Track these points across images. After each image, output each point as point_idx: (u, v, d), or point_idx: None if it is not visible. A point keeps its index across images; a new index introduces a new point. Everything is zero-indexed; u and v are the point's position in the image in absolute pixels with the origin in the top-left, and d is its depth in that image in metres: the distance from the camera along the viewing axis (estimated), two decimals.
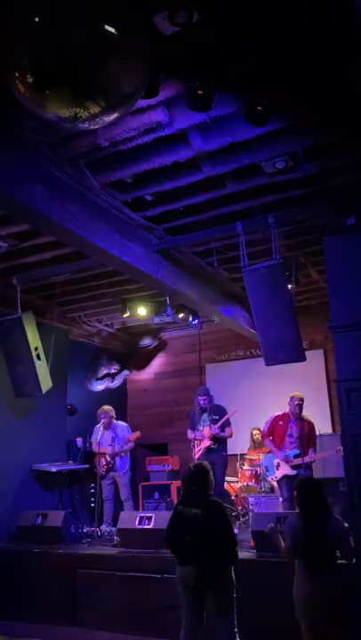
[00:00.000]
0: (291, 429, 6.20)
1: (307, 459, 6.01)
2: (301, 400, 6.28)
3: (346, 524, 3.82)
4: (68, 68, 2.39)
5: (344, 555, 3.77)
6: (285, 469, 6.09)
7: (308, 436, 6.19)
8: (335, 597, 3.55)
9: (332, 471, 6.63)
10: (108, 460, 7.16)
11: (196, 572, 3.69)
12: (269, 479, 6.46)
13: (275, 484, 7.33)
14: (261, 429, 7.83)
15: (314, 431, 6.33)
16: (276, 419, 6.38)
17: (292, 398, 6.29)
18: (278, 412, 6.38)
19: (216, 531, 3.75)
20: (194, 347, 9.94)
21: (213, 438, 6.71)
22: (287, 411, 6.31)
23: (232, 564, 3.80)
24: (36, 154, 4.20)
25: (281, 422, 6.31)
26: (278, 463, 6.17)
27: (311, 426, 6.31)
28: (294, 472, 5.99)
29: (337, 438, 6.43)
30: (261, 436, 6.75)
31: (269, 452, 6.42)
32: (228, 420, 6.83)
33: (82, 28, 2.35)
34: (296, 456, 6.05)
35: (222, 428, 6.77)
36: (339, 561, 3.74)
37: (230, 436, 6.87)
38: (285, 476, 6.07)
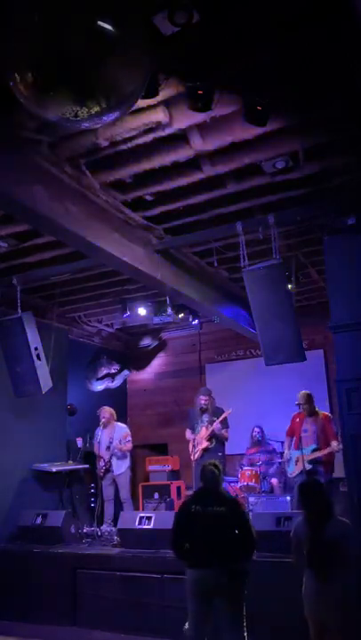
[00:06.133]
0: (305, 425, 6.26)
1: (324, 451, 6.06)
2: (305, 401, 6.32)
3: (351, 527, 3.80)
4: (68, 67, 2.39)
5: (346, 556, 3.75)
6: (302, 465, 6.12)
7: (325, 430, 6.23)
8: (341, 598, 3.54)
9: (341, 471, 6.63)
10: (106, 460, 7.17)
11: (218, 573, 3.63)
12: (289, 474, 6.50)
13: (274, 482, 7.37)
14: (262, 427, 7.94)
15: (330, 424, 6.34)
16: (294, 417, 6.53)
17: (298, 398, 6.38)
18: (297, 411, 6.51)
19: (240, 526, 3.75)
20: (194, 347, 9.94)
21: (211, 439, 6.71)
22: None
23: (250, 561, 3.78)
24: (35, 154, 4.20)
25: (298, 420, 6.45)
26: (298, 458, 6.21)
27: (326, 419, 6.35)
28: (310, 466, 6.02)
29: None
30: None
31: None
32: (226, 420, 6.83)
33: (82, 27, 2.35)
34: (314, 450, 6.09)
35: (221, 426, 6.77)
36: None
37: (226, 438, 6.87)
38: (302, 473, 6.09)
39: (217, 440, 6.75)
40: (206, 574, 3.68)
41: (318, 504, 3.73)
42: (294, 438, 6.45)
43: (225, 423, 6.83)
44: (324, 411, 6.62)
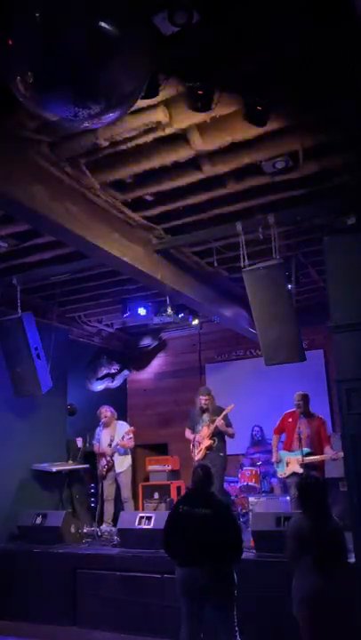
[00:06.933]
0: (299, 427, 6.24)
1: (319, 457, 6.06)
2: (301, 399, 6.32)
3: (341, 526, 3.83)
4: (68, 67, 2.39)
5: (343, 554, 3.77)
6: (295, 467, 6.12)
7: (319, 434, 6.22)
8: (340, 596, 3.55)
9: (332, 471, 6.66)
10: (108, 459, 7.17)
11: (203, 573, 3.66)
12: (279, 475, 6.50)
13: (274, 482, 7.36)
14: (261, 427, 7.93)
15: (324, 427, 6.35)
16: (286, 416, 6.50)
17: (295, 397, 6.35)
18: (289, 410, 6.44)
19: (225, 529, 3.75)
20: (194, 347, 9.94)
21: (213, 437, 6.69)
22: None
23: (237, 563, 3.79)
24: (35, 154, 4.20)
25: (290, 419, 6.41)
26: (289, 460, 6.20)
27: (321, 422, 6.34)
28: (302, 470, 6.02)
29: (337, 438, 6.47)
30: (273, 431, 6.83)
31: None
32: (228, 418, 6.82)
33: (82, 27, 2.35)
34: (308, 454, 6.08)
35: (224, 422, 6.76)
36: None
37: (233, 434, 6.87)
38: (294, 474, 6.09)
39: (220, 439, 6.74)
40: (192, 573, 3.71)
41: (319, 502, 3.74)
42: (284, 437, 6.43)
43: (227, 420, 6.81)
44: (318, 412, 6.62)
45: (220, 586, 3.71)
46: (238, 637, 3.73)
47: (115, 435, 7.27)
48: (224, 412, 6.73)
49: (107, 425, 7.32)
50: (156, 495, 8.05)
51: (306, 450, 6.11)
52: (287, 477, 6.26)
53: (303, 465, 6.03)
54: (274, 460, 6.51)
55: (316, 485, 3.90)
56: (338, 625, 3.56)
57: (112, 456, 7.18)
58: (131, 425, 7.51)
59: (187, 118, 3.81)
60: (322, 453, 6.13)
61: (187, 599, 3.78)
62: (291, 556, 3.77)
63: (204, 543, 3.70)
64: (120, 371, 9.73)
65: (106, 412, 7.35)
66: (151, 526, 5.62)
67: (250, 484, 7.27)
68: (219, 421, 6.64)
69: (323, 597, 3.53)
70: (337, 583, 3.56)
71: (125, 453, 7.27)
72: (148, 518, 5.73)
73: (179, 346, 10.18)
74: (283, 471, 6.30)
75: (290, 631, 3.77)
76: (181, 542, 3.82)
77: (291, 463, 6.18)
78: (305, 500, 3.82)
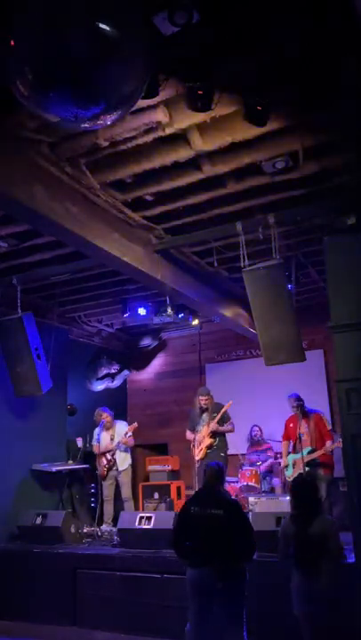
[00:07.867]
0: (300, 428, 6.28)
1: (319, 452, 6.11)
2: (295, 401, 6.37)
3: (335, 525, 3.81)
4: (68, 68, 2.39)
5: (333, 555, 3.74)
6: (300, 468, 6.15)
7: (319, 430, 6.25)
8: (326, 595, 3.56)
9: (340, 471, 6.69)
10: (109, 458, 7.18)
11: (215, 573, 3.64)
12: (288, 478, 6.53)
13: (275, 481, 7.37)
14: (261, 427, 7.97)
15: (322, 423, 6.39)
16: (288, 422, 6.60)
17: (289, 402, 6.42)
18: (290, 415, 6.54)
19: (237, 529, 3.74)
20: (194, 347, 9.94)
21: (213, 435, 6.69)
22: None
23: (250, 562, 3.78)
24: (35, 154, 4.20)
25: (291, 425, 6.50)
26: (296, 461, 6.24)
27: (318, 418, 6.38)
28: (308, 469, 6.05)
29: (337, 438, 6.48)
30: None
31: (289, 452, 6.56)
32: (227, 413, 6.82)
33: (82, 28, 2.35)
34: (310, 452, 6.11)
35: (221, 422, 6.75)
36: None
37: (232, 429, 6.85)
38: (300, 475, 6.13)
39: (220, 437, 6.74)
40: (203, 574, 3.70)
41: (306, 502, 3.74)
42: (291, 442, 6.48)
43: (224, 418, 6.78)
44: (317, 410, 6.64)
45: (231, 584, 3.69)
46: (246, 638, 3.70)
47: (115, 434, 7.29)
48: (222, 410, 6.73)
49: (108, 427, 7.35)
50: (156, 495, 8.05)
51: (308, 448, 6.14)
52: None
53: (307, 464, 6.05)
54: (283, 464, 6.61)
55: (307, 486, 3.89)
56: (335, 624, 3.57)
57: (113, 454, 7.20)
58: (131, 424, 7.51)
59: (187, 118, 3.81)
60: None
61: (197, 600, 3.76)
62: (280, 556, 3.81)
63: (216, 544, 3.69)
64: (120, 371, 9.73)
65: (107, 415, 7.38)
66: (151, 526, 5.62)
67: (250, 484, 7.27)
68: (213, 425, 6.63)
69: (315, 597, 3.55)
70: (326, 583, 3.57)
71: (126, 451, 7.29)
72: (148, 518, 5.73)
73: (179, 346, 10.18)
74: (290, 473, 6.36)
75: (291, 631, 3.77)
76: (193, 543, 3.80)
77: (296, 464, 6.23)
78: (294, 501, 3.82)
